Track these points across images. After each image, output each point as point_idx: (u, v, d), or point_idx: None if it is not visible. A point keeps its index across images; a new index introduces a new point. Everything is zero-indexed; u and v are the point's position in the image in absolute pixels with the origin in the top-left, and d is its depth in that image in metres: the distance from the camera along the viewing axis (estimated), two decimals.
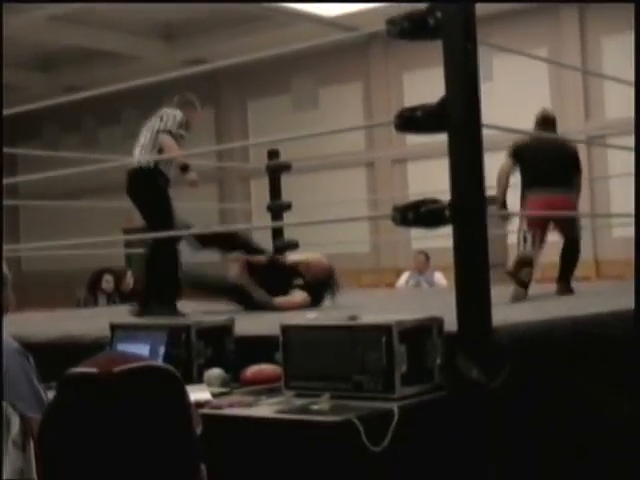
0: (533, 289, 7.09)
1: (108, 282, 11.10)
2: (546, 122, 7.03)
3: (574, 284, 7.24)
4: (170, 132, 6.48)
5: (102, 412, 1.53)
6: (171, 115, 6.65)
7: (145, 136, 6.65)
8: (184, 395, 1.65)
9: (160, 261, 6.40)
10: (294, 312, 5.81)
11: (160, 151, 6.43)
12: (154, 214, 6.46)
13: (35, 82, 20.92)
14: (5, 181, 5.78)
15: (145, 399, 1.56)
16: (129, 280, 11.46)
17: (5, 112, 5.69)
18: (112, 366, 1.55)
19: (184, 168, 6.50)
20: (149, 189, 6.46)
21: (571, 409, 3.92)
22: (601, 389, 4.14)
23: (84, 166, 6.09)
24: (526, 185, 6.94)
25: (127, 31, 18.27)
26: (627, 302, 4.91)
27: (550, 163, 6.92)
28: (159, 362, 1.67)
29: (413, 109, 3.68)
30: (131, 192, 6.60)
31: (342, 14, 17.14)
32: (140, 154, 6.54)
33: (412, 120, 3.68)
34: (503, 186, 6.90)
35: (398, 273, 12.81)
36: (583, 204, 16.49)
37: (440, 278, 11.47)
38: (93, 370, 1.55)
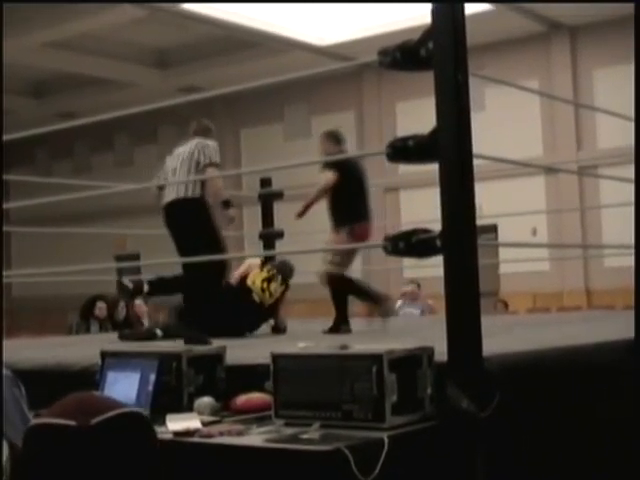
0: (526, 318, 7.10)
1: (101, 309, 11.08)
2: None
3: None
4: (216, 164, 6.41)
5: (80, 463, 1.52)
6: (210, 146, 6.49)
7: (183, 168, 6.48)
8: (154, 436, 1.65)
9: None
10: None
11: (203, 184, 6.35)
12: (204, 247, 6.17)
13: (28, 107, 20.98)
14: None
15: (121, 446, 1.56)
16: (122, 309, 11.42)
17: None
18: (88, 417, 1.54)
19: (226, 203, 6.45)
20: (199, 221, 6.37)
21: (562, 439, 3.92)
22: (592, 418, 4.14)
23: (76, 192, 6.08)
24: None
25: (121, 58, 18.35)
26: (619, 331, 4.93)
27: None
28: (129, 407, 1.66)
29: (405, 139, 3.70)
30: (175, 224, 6.49)
31: (335, 43, 17.26)
32: (181, 186, 6.40)
33: (404, 150, 3.70)
34: None
35: None
36: (574, 234, 16.59)
37: (431, 307, 11.49)
38: (71, 422, 1.54)
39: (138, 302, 11.63)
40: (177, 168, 6.52)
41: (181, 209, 6.37)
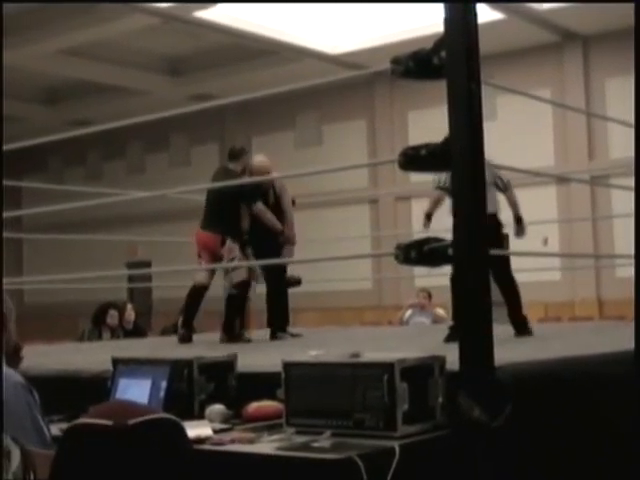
0: (537, 327, 7.10)
1: (113, 317, 11.10)
2: None
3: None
4: None
5: (117, 462, 1.54)
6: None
7: None
8: (187, 441, 1.67)
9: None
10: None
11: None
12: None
13: (41, 115, 21.04)
14: (9, 214, 5.80)
15: (157, 449, 1.58)
16: (130, 313, 11.43)
17: (11, 146, 5.72)
18: (126, 418, 1.56)
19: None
20: None
21: (573, 449, 3.91)
22: (604, 429, 4.13)
23: (88, 200, 6.10)
24: None
25: (134, 66, 18.39)
26: (630, 342, 4.91)
27: None
28: (165, 413, 1.69)
29: (417, 148, 3.70)
30: None
31: (347, 51, 17.27)
32: None
33: (416, 159, 3.70)
34: None
35: (400, 310, 12.80)
36: (586, 244, 16.55)
37: (442, 315, 11.47)
38: (108, 422, 1.56)
39: (129, 307, 11.65)
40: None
41: None
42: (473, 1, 3.66)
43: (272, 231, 7.63)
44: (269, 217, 7.61)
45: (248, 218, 7.54)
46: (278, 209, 7.76)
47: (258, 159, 7.77)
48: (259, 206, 7.53)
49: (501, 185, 7.09)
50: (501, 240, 6.99)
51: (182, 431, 1.72)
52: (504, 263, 6.94)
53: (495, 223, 6.82)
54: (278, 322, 7.77)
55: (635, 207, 4.35)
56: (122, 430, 1.60)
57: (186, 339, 7.55)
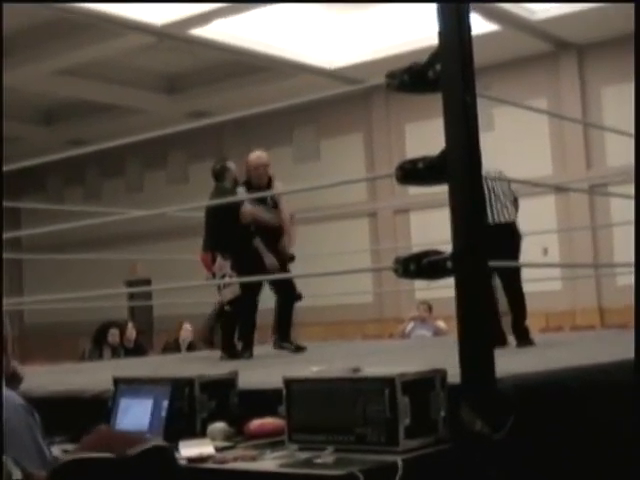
0: (538, 338, 7.10)
1: (114, 336, 11.09)
2: None
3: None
4: None
5: None
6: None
7: None
8: (180, 468, 1.69)
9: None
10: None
11: None
12: None
13: (39, 135, 21.09)
14: (9, 234, 5.80)
15: (156, 477, 1.60)
16: (131, 331, 11.42)
17: (10, 166, 5.73)
18: (124, 449, 1.58)
19: None
20: None
21: (577, 460, 3.90)
22: (608, 439, 4.12)
23: (88, 219, 6.11)
24: None
25: (130, 84, 18.44)
26: (632, 350, 4.90)
27: None
28: (158, 440, 1.72)
29: (414, 161, 3.70)
30: None
31: (343, 66, 17.32)
32: None
33: (414, 172, 3.70)
34: None
35: (401, 323, 12.80)
36: (586, 252, 16.54)
37: (442, 327, 11.47)
38: (110, 455, 1.59)
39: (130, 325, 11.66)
40: None
41: None
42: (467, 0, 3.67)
43: (270, 228, 7.67)
44: (263, 215, 7.63)
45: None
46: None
47: (255, 154, 7.86)
48: (246, 207, 7.54)
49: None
50: (518, 248, 7.08)
51: (173, 456, 1.78)
52: (516, 273, 7.03)
53: (513, 230, 7.03)
54: (283, 332, 7.81)
55: (635, 216, 4.34)
56: (125, 461, 1.63)
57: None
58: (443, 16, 3.64)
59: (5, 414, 3.14)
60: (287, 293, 7.76)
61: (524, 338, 6.89)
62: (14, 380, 3.69)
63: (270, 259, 7.50)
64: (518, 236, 7.09)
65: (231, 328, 7.70)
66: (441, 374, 3.59)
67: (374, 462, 3.19)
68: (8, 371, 3.63)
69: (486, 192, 6.80)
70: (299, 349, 7.71)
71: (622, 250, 14.49)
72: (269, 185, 7.75)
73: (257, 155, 7.86)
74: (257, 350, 7.81)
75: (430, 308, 11.90)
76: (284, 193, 7.89)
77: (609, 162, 16.40)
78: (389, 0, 14.77)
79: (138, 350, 11.18)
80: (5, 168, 5.76)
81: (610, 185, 15.82)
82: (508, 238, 6.93)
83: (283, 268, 7.62)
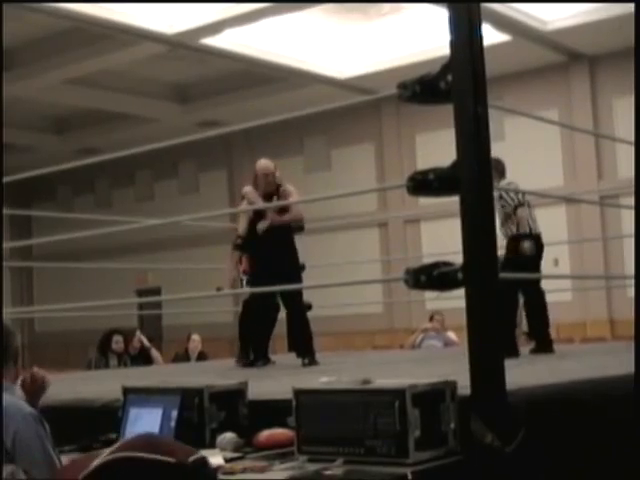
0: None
1: (118, 343, 11.06)
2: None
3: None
4: None
5: None
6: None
7: None
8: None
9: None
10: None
11: None
12: None
13: (50, 144, 21.14)
14: (20, 243, 5.81)
15: None
16: (137, 340, 11.38)
17: (21, 175, 5.75)
18: (185, 456, 1.63)
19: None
20: None
21: (588, 472, 3.87)
22: (619, 452, 4.09)
23: (98, 228, 6.11)
24: None
25: (141, 94, 18.47)
26: None
27: None
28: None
29: (425, 172, 3.69)
30: None
31: (354, 76, 17.33)
32: None
33: (425, 183, 3.69)
34: None
35: (412, 334, 12.76)
36: (597, 264, 16.48)
37: (453, 338, 11.43)
38: (170, 459, 1.62)
39: (138, 333, 11.61)
40: None
41: None
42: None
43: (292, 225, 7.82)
44: (258, 202, 7.62)
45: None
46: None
47: (262, 162, 7.87)
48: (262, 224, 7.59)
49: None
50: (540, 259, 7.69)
51: (212, 467, 1.90)
52: (539, 281, 7.75)
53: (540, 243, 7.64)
54: (306, 347, 7.47)
55: (635, 228, 4.33)
56: (186, 468, 1.67)
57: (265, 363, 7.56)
58: (455, 27, 3.63)
59: (14, 424, 3.13)
60: (295, 303, 7.63)
61: (547, 346, 7.52)
62: (39, 389, 3.69)
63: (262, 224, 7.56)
64: (542, 246, 7.71)
65: (246, 336, 7.72)
66: (451, 386, 3.58)
67: (384, 474, 3.18)
68: (26, 383, 3.63)
69: (525, 204, 7.53)
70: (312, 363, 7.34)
71: (633, 261, 14.45)
72: (277, 192, 7.75)
73: (264, 162, 7.88)
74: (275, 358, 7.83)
75: (442, 318, 11.86)
76: (294, 203, 7.87)
77: (620, 173, 16.36)
78: (401, 0, 14.64)
79: (144, 358, 11.13)
80: (15, 177, 5.78)
81: (621, 196, 15.77)
82: (540, 248, 7.68)
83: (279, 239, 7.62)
